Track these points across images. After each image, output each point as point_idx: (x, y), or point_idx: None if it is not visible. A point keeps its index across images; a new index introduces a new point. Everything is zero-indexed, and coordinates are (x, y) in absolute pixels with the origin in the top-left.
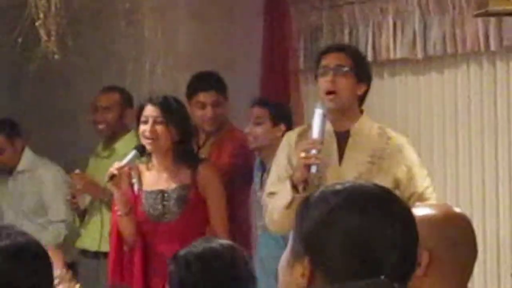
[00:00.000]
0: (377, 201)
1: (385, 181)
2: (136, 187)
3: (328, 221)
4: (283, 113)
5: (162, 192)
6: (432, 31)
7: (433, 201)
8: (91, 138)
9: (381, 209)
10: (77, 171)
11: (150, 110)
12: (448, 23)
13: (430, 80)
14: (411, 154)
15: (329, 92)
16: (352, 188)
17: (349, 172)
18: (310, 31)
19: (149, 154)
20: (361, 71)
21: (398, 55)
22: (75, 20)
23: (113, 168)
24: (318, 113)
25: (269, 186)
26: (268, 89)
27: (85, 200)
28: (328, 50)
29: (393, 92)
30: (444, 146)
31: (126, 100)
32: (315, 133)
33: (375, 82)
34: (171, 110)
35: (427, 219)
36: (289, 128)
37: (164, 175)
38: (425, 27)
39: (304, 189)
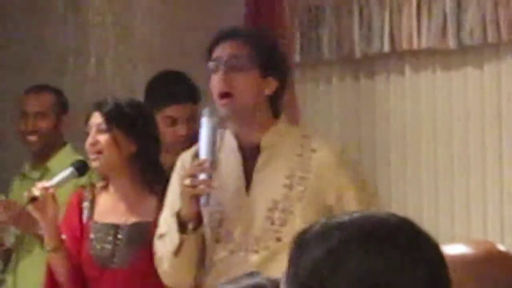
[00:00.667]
0: (395, 237)
1: (308, 209)
2: (85, 215)
3: (333, 264)
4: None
5: (114, 227)
6: (468, 14)
7: None
8: (20, 153)
9: (401, 247)
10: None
11: (93, 118)
12: (489, 4)
13: (466, 75)
14: (346, 169)
15: (222, 95)
16: (362, 219)
17: (259, 201)
18: (307, 14)
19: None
20: (268, 61)
21: (424, 45)
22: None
23: (36, 188)
24: (206, 124)
25: (160, 226)
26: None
27: (10, 235)
28: (217, 38)
29: (416, 90)
30: (484, 152)
31: (62, 103)
32: (203, 151)
33: (395, 79)
34: (120, 114)
35: (463, 260)
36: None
37: (122, 204)
38: (459, 9)
39: (196, 228)
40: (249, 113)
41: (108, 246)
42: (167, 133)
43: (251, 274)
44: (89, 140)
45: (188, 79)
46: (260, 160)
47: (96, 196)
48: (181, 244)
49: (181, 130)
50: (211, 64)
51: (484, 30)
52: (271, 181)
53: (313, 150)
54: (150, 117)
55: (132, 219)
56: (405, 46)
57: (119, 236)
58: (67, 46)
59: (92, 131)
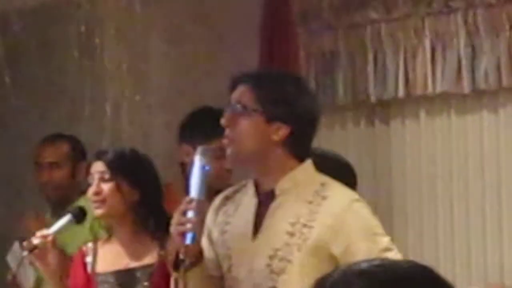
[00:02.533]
0: (415, 285)
1: (310, 259)
2: (89, 268)
3: None
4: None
5: (120, 274)
6: (483, 58)
7: None
8: (39, 203)
9: None
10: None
11: (95, 167)
12: (503, 47)
13: (481, 119)
14: (357, 219)
15: (228, 141)
16: (382, 266)
17: (262, 248)
18: (322, 58)
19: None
20: (272, 106)
21: (439, 89)
22: (14, 49)
23: (35, 237)
24: (197, 163)
25: None
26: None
27: (30, 279)
28: (232, 84)
29: (432, 134)
30: (500, 197)
31: (78, 151)
32: (193, 190)
33: (410, 123)
34: (122, 163)
35: None
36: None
37: (124, 252)
38: (473, 53)
39: (193, 265)
40: (257, 159)
41: None
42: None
43: None
44: (93, 188)
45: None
46: (272, 206)
47: (98, 249)
48: (176, 282)
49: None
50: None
51: (499, 74)
52: (275, 228)
53: (324, 198)
54: (151, 166)
55: (134, 264)
56: (419, 90)
57: (122, 282)
58: (83, 93)
59: (95, 180)
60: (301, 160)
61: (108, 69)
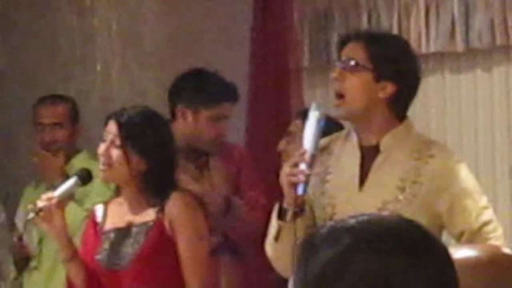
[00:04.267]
0: (402, 239)
1: (418, 215)
2: (99, 226)
3: (339, 267)
4: (330, 128)
5: (118, 230)
6: (477, 17)
7: (497, 241)
8: (32, 165)
9: (408, 251)
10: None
11: (109, 127)
12: (497, 7)
13: (475, 79)
14: (461, 178)
15: (336, 95)
16: (370, 223)
17: (370, 200)
18: (316, 18)
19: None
20: (384, 65)
21: (432, 48)
22: (3, 10)
23: (41, 200)
24: (312, 117)
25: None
26: (260, 92)
27: (33, 241)
28: (343, 41)
29: (425, 93)
30: (494, 158)
31: (75, 112)
32: (307, 142)
33: None
34: (135, 131)
35: (470, 264)
36: None
37: (127, 211)
38: (467, 12)
39: (296, 216)
40: (363, 115)
41: (112, 250)
42: (212, 131)
43: None
44: (103, 148)
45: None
46: (377, 160)
47: (108, 208)
48: (279, 230)
49: (225, 127)
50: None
51: (493, 33)
52: (384, 182)
53: (431, 156)
54: (166, 129)
55: (134, 223)
56: (413, 49)
57: (119, 238)
58: (74, 53)
59: (107, 142)
60: (401, 118)
61: (97, 28)
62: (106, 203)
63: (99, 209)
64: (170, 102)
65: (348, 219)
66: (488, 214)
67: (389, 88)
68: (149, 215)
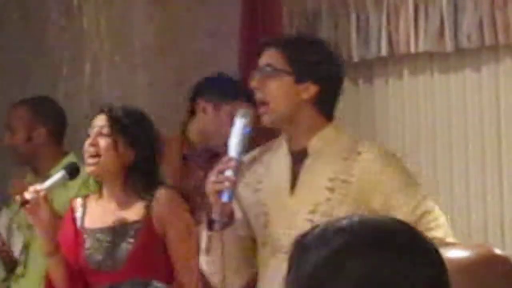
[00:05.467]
0: (394, 241)
1: (352, 214)
2: (78, 223)
3: (333, 267)
4: None
5: (107, 230)
6: (466, 17)
7: (439, 230)
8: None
9: (400, 252)
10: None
11: (97, 120)
12: (486, 7)
13: (464, 78)
14: (392, 172)
15: (259, 103)
16: (361, 224)
17: (302, 204)
18: (305, 18)
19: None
20: (303, 66)
21: (421, 48)
22: None
23: (28, 192)
24: (238, 124)
25: None
26: (251, 91)
27: (18, 244)
28: (259, 49)
29: (415, 94)
30: (483, 158)
31: (39, 115)
32: (232, 149)
33: (393, 82)
34: (123, 120)
35: (460, 264)
36: None
37: (112, 209)
38: (456, 12)
39: (225, 226)
40: (289, 119)
41: (101, 250)
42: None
43: None
44: (89, 140)
45: None
46: (306, 163)
47: (87, 205)
48: (209, 241)
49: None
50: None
51: (482, 32)
52: (314, 184)
53: (359, 153)
54: (151, 129)
55: (122, 222)
56: (402, 49)
57: (109, 238)
58: (62, 54)
59: (94, 133)
60: (329, 119)
61: (86, 28)
62: (84, 198)
63: (77, 204)
64: (190, 98)
65: (340, 219)
66: (426, 205)
67: (312, 89)
68: (136, 213)
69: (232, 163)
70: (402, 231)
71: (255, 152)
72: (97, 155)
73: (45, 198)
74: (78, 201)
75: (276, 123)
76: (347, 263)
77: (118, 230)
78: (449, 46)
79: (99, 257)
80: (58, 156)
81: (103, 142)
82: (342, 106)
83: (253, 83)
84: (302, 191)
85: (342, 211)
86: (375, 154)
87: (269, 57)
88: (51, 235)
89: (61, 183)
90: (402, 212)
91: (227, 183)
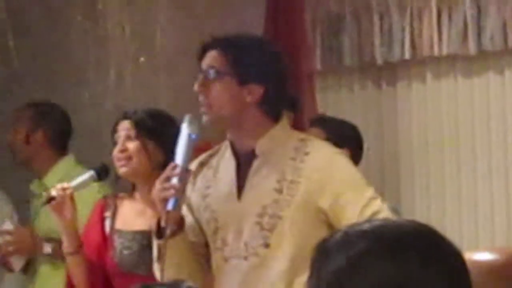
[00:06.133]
0: (416, 245)
1: (299, 215)
2: (108, 224)
3: (355, 272)
4: (345, 135)
5: (140, 234)
6: (489, 20)
7: None
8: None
9: (422, 254)
10: (6, 224)
11: (121, 126)
12: (509, 9)
13: (487, 80)
14: (340, 172)
15: (205, 106)
16: (383, 228)
17: (250, 207)
18: (328, 22)
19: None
20: (246, 68)
21: (445, 51)
22: (18, 13)
23: (55, 188)
24: (184, 131)
25: None
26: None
27: (19, 260)
28: (202, 50)
29: (438, 97)
30: (506, 160)
31: (40, 119)
32: (178, 157)
33: (416, 85)
34: (149, 122)
35: (484, 266)
36: (356, 151)
37: (146, 212)
38: (479, 15)
39: (175, 234)
40: (233, 121)
41: (134, 253)
42: None
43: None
44: (118, 147)
45: None
46: (254, 165)
47: (118, 205)
48: (159, 249)
49: None
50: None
51: (505, 35)
52: (262, 186)
53: (306, 153)
54: (177, 127)
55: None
56: (426, 52)
57: (144, 242)
58: (87, 58)
59: (121, 139)
60: (276, 119)
61: (110, 33)
62: (114, 198)
63: (108, 204)
64: None
65: (362, 223)
66: (376, 205)
67: (256, 91)
68: None
69: (177, 171)
70: (422, 234)
71: (202, 157)
72: (128, 158)
73: (71, 196)
74: (108, 200)
75: (220, 125)
76: (368, 267)
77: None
78: (472, 48)
79: (131, 260)
80: (55, 160)
81: (132, 145)
82: (365, 108)
83: (196, 87)
84: (250, 195)
85: (289, 212)
86: (323, 154)
87: (211, 60)
88: (73, 234)
89: (89, 184)
90: (351, 212)
91: (172, 191)
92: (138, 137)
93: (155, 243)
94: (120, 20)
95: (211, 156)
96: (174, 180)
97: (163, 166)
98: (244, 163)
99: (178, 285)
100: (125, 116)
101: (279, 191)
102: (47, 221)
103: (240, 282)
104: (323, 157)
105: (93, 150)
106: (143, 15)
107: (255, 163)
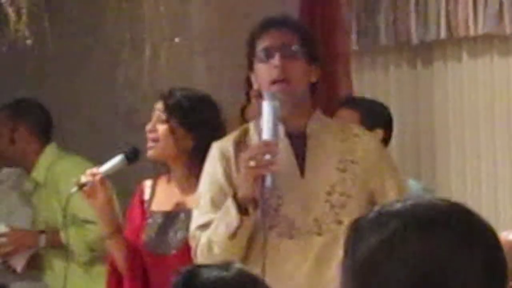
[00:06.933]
0: (451, 223)
1: (361, 193)
2: (146, 205)
3: (389, 251)
4: (379, 115)
5: (165, 214)
6: None
7: None
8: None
9: (457, 234)
10: (2, 227)
11: (157, 105)
12: None
13: None
14: (386, 156)
15: (276, 81)
16: (417, 206)
17: (317, 184)
18: (364, 2)
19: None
20: (313, 50)
21: (480, 31)
22: None
23: (86, 175)
24: (268, 106)
25: (197, 217)
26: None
27: (20, 259)
28: (264, 27)
29: (474, 77)
30: None
31: (18, 116)
32: (267, 132)
33: (452, 65)
34: (181, 107)
35: None
36: (388, 132)
37: (176, 193)
38: None
39: (255, 210)
40: (298, 100)
41: (158, 233)
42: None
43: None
44: (149, 126)
45: None
46: (310, 145)
47: (156, 187)
48: (239, 226)
49: None
50: (261, 53)
51: None
52: (325, 165)
53: (356, 135)
54: (215, 111)
55: (183, 206)
56: (462, 32)
57: (169, 223)
58: (122, 37)
59: (153, 119)
60: (315, 104)
61: (145, 12)
62: (155, 180)
63: (147, 186)
64: (246, 85)
65: (394, 203)
66: (407, 188)
67: (317, 73)
68: (196, 199)
69: (272, 147)
70: (456, 212)
71: (233, 137)
72: (155, 139)
73: (102, 181)
74: (147, 184)
75: (291, 102)
76: (403, 246)
77: (176, 215)
78: (508, 28)
79: (153, 239)
80: (41, 150)
81: (161, 128)
82: (401, 88)
83: (275, 61)
84: (314, 173)
85: (354, 190)
86: (370, 137)
87: (286, 37)
88: (109, 217)
89: (119, 167)
90: (395, 194)
91: (271, 167)
92: (167, 121)
93: (235, 220)
94: (155, 0)
95: (242, 135)
96: (267, 156)
97: (192, 151)
98: (295, 143)
99: (229, 266)
100: (161, 97)
101: (343, 170)
102: (45, 210)
103: (314, 257)
104: (372, 141)
105: (129, 130)
106: None
107: (310, 143)
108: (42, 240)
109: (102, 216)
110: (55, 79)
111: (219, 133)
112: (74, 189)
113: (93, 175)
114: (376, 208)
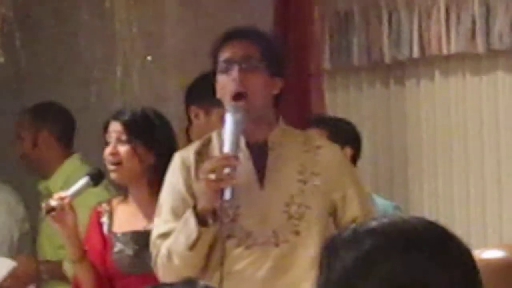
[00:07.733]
0: (425, 241)
1: (321, 205)
2: (105, 229)
3: (362, 270)
4: (346, 133)
5: (135, 234)
6: (498, 18)
7: None
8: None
9: (431, 252)
10: (7, 264)
11: (112, 127)
12: None
13: (495, 79)
14: (348, 167)
15: (237, 95)
16: (392, 224)
17: (276, 196)
18: (337, 20)
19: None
20: (274, 61)
21: (453, 50)
22: (24, 11)
23: (53, 199)
24: (230, 119)
25: (158, 226)
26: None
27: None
28: (227, 38)
29: (447, 96)
30: None
31: (39, 120)
32: (228, 145)
33: (425, 84)
34: (139, 125)
35: (495, 264)
36: (357, 150)
37: (140, 212)
38: (488, 13)
39: (214, 221)
40: (259, 113)
41: (131, 254)
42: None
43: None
44: (109, 149)
45: None
46: (271, 156)
47: (113, 209)
48: (198, 237)
49: None
50: (222, 65)
51: None
52: (285, 177)
53: (318, 147)
54: (168, 128)
55: (150, 225)
56: (434, 51)
57: (140, 242)
58: (94, 55)
59: (112, 140)
60: (277, 115)
61: (118, 30)
62: (109, 203)
63: (102, 210)
64: (185, 105)
65: (369, 221)
66: (370, 201)
67: (279, 84)
68: None
69: (232, 160)
70: (432, 232)
71: (195, 147)
72: (118, 163)
73: (70, 205)
74: (103, 206)
75: (252, 116)
76: (377, 265)
77: (149, 235)
78: (480, 47)
79: (129, 261)
80: (62, 160)
81: (123, 149)
82: (374, 107)
83: (233, 75)
84: (273, 185)
85: (314, 202)
86: (334, 149)
87: (247, 49)
88: (77, 241)
89: (85, 190)
90: (357, 205)
91: (230, 181)
92: (129, 141)
93: (194, 232)
94: (128, 18)
95: (203, 146)
96: (227, 170)
97: (154, 168)
98: (256, 155)
99: (194, 284)
100: (116, 117)
101: (303, 181)
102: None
103: (270, 268)
104: (335, 152)
105: (101, 149)
106: (151, 13)
107: (271, 154)
108: (44, 274)
109: (70, 240)
110: (28, 97)
111: (175, 147)
112: (43, 213)
113: (61, 198)
114: (351, 226)
